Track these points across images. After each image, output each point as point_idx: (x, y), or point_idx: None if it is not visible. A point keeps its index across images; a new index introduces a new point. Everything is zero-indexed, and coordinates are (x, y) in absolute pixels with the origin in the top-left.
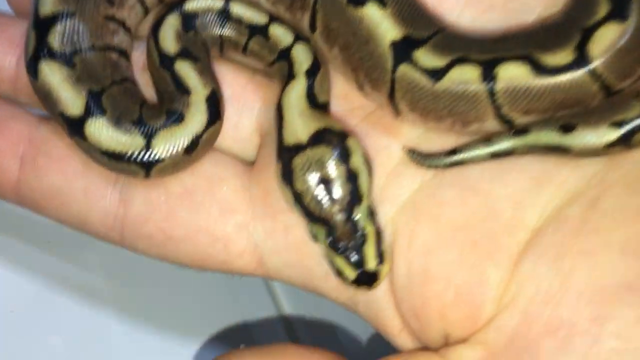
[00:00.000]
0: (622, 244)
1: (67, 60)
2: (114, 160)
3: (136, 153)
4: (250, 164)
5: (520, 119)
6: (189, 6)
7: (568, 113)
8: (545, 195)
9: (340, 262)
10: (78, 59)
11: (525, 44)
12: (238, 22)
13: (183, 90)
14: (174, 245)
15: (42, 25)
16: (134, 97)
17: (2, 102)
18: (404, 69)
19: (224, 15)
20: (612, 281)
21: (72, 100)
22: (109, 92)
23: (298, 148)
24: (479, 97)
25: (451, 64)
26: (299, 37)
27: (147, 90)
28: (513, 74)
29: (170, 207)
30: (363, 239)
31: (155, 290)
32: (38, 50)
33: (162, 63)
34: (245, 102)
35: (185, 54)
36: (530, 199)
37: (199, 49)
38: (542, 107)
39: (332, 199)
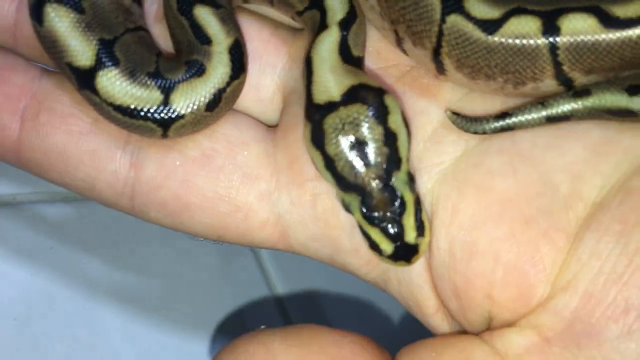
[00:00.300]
0: None
1: (76, 4)
2: (128, 116)
3: (153, 108)
4: (271, 128)
5: (580, 79)
6: None
7: (633, 73)
8: (606, 165)
9: (375, 234)
10: (87, 3)
11: None
12: None
13: (203, 39)
14: (190, 213)
15: None
16: (150, 47)
17: (4, 51)
18: (454, 19)
19: None
20: None
21: (81, 50)
22: (122, 41)
23: (330, 106)
24: (539, 53)
25: (508, 15)
26: None
27: (162, 43)
28: (579, 27)
29: (187, 172)
30: (401, 208)
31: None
32: None
33: (180, 7)
34: (268, 59)
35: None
36: (590, 170)
37: None
38: (609, 65)
39: (367, 164)
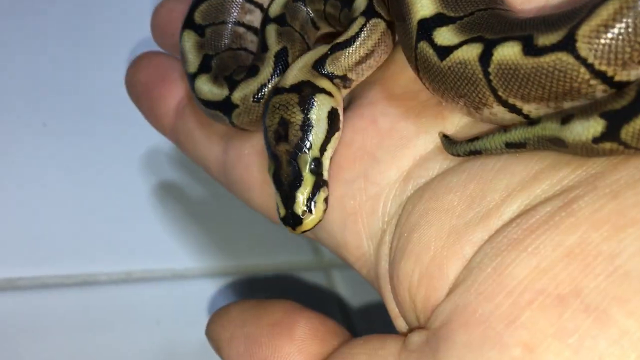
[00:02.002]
0: (568, 248)
1: (201, 30)
2: (206, 107)
3: (219, 101)
4: None
5: (525, 107)
6: None
7: (578, 105)
8: (536, 188)
9: (277, 198)
10: (210, 30)
11: (540, 23)
12: None
13: (263, 48)
14: (250, 192)
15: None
16: (237, 60)
17: (172, 59)
18: (422, 46)
19: None
20: (551, 285)
21: (192, 61)
22: (220, 56)
23: (279, 90)
24: (476, 78)
25: (462, 43)
26: (370, 10)
27: None
28: (505, 54)
29: (249, 160)
30: (299, 183)
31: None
32: (187, 20)
33: (262, 23)
34: None
35: (279, 19)
36: (521, 191)
37: (298, 20)
38: (536, 94)
39: (284, 139)
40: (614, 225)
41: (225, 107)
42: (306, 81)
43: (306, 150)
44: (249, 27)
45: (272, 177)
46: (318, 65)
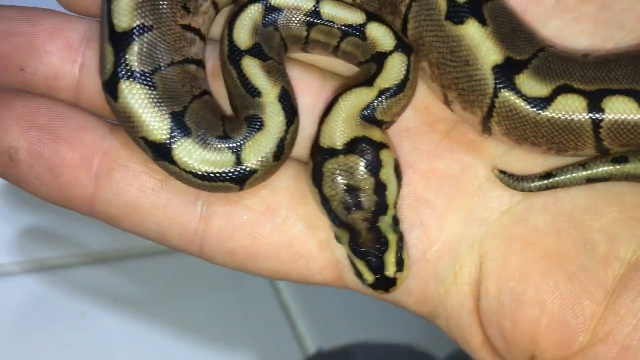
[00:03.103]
0: None
1: (148, 80)
2: (207, 180)
3: (229, 170)
4: None
5: (616, 149)
6: (275, 0)
7: None
8: (639, 228)
9: (360, 265)
10: (158, 77)
11: (631, 74)
12: (330, 23)
13: (252, 91)
14: (256, 260)
15: (118, 40)
16: (214, 110)
17: (71, 110)
18: (505, 95)
19: (314, 16)
20: None
21: (155, 125)
22: (190, 110)
23: (331, 152)
24: (583, 129)
25: (556, 93)
26: (402, 44)
27: (221, 96)
28: (621, 109)
29: (253, 225)
30: (385, 246)
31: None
32: (116, 70)
33: (230, 57)
34: (320, 112)
35: (255, 51)
36: (625, 232)
37: (272, 47)
38: None
39: (357, 207)
40: None
41: (237, 176)
42: (360, 137)
43: (385, 212)
44: (198, 62)
45: (348, 247)
46: (366, 114)
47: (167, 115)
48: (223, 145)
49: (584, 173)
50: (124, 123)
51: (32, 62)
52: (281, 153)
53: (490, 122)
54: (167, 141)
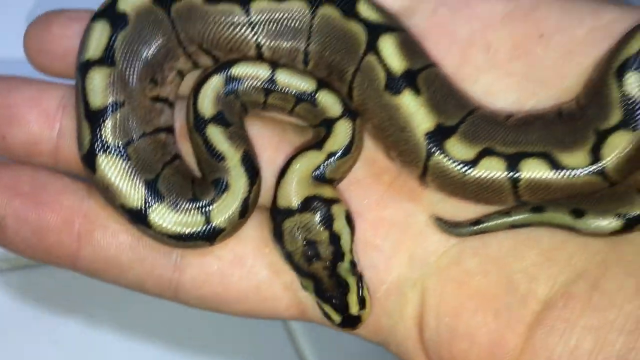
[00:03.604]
0: (619, 323)
1: (122, 153)
2: (181, 240)
3: (200, 230)
4: None
5: (535, 202)
6: (235, 71)
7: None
8: (554, 270)
9: (327, 308)
10: (131, 149)
11: (545, 138)
12: (284, 90)
13: (217, 156)
14: (227, 304)
15: (93, 118)
16: (185, 175)
17: (51, 176)
18: (437, 159)
19: (270, 83)
20: (612, 357)
21: (130, 193)
22: (162, 177)
23: (288, 212)
24: (504, 188)
25: (480, 156)
26: (348, 110)
27: (190, 155)
28: (535, 171)
29: (224, 274)
30: (346, 289)
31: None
32: (93, 145)
33: (196, 126)
34: (278, 164)
35: (218, 119)
36: (542, 273)
37: (234, 113)
38: (557, 198)
39: (317, 258)
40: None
41: (207, 235)
42: (312, 196)
43: (342, 259)
44: (168, 129)
45: (314, 293)
46: (317, 175)
47: (141, 184)
48: (193, 208)
49: (508, 220)
50: (102, 192)
51: (13, 131)
52: (246, 211)
53: (426, 178)
54: (142, 208)
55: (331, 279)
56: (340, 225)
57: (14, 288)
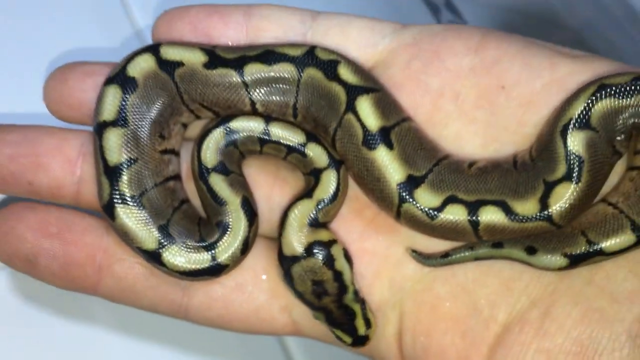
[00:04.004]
0: (566, 346)
1: (137, 203)
2: (191, 276)
3: (207, 267)
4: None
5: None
6: (234, 124)
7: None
8: (512, 298)
9: (339, 332)
10: (145, 198)
11: (501, 187)
12: (277, 141)
13: (220, 201)
14: (230, 324)
15: (111, 173)
16: (192, 218)
17: (74, 214)
18: (407, 206)
19: (265, 135)
20: None
21: (146, 238)
22: (173, 221)
23: (294, 259)
24: (466, 231)
25: (445, 203)
26: (333, 161)
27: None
28: (492, 218)
29: (227, 299)
30: (353, 315)
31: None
32: (112, 197)
33: (200, 175)
34: (274, 201)
35: (220, 168)
36: (502, 300)
37: (233, 161)
38: (512, 238)
39: (325, 294)
40: (587, 321)
41: (213, 270)
42: (313, 242)
43: (346, 291)
44: (176, 177)
45: (325, 322)
46: (311, 221)
47: (154, 229)
48: (200, 248)
49: (472, 253)
50: (121, 236)
51: (39, 177)
52: (246, 249)
53: (400, 220)
54: (157, 249)
55: (339, 309)
56: (340, 263)
57: (12, 287)
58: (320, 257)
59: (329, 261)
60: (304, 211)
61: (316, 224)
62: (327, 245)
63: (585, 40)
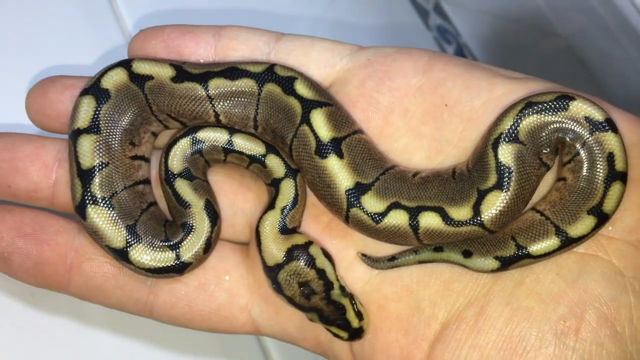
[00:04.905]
0: (495, 344)
1: (107, 204)
2: (156, 273)
3: (171, 264)
4: (243, 247)
5: (435, 243)
6: (200, 135)
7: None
8: (451, 297)
9: (334, 329)
10: (115, 200)
11: (440, 195)
12: (240, 152)
13: (184, 204)
14: (193, 322)
15: (84, 176)
16: (158, 219)
17: (48, 216)
18: (355, 211)
19: (229, 144)
20: None
21: (114, 237)
22: (140, 222)
23: (278, 267)
24: (408, 235)
25: (389, 209)
26: (290, 170)
27: (161, 198)
28: (430, 222)
29: (190, 298)
30: (343, 310)
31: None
32: (84, 198)
33: (166, 179)
34: (237, 207)
35: (185, 174)
36: (442, 301)
37: (198, 168)
38: (450, 242)
39: (313, 293)
40: (517, 320)
41: (177, 268)
42: (290, 247)
43: (332, 287)
44: (145, 181)
45: (319, 321)
46: (281, 229)
47: (123, 229)
48: (166, 247)
49: (416, 257)
50: (91, 235)
51: (17, 180)
52: (209, 248)
53: (349, 224)
54: (124, 247)
55: (329, 306)
56: (321, 261)
57: (9, 285)
58: (300, 258)
59: (310, 261)
60: (272, 221)
61: (286, 230)
62: (304, 247)
63: (576, 47)
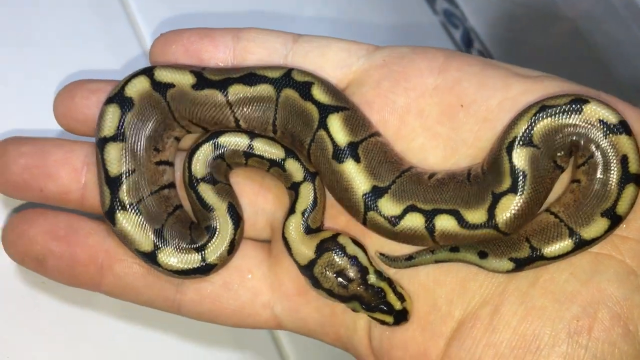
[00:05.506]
0: (509, 342)
1: (135, 209)
2: (183, 275)
3: (197, 266)
4: (265, 245)
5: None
6: (222, 139)
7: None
8: (467, 296)
9: (378, 315)
10: (142, 205)
11: (455, 198)
12: (260, 156)
13: (207, 208)
14: (219, 319)
15: (112, 183)
16: (184, 222)
17: (80, 219)
18: (372, 214)
19: (249, 149)
20: None
21: (143, 241)
22: (167, 226)
23: (312, 263)
24: (424, 237)
25: (405, 212)
26: (308, 174)
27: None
28: (445, 225)
29: (215, 296)
30: (382, 293)
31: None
32: (113, 205)
33: (190, 184)
34: (258, 206)
35: (208, 178)
36: (459, 299)
37: (221, 172)
38: (465, 243)
39: (350, 281)
40: (531, 319)
41: (203, 270)
42: (319, 242)
43: (368, 272)
44: (170, 185)
45: (362, 309)
46: (305, 230)
47: (150, 233)
48: (192, 249)
49: (432, 256)
50: (121, 239)
51: (49, 185)
52: (232, 249)
53: (367, 226)
54: (153, 251)
55: (367, 291)
56: (352, 248)
57: (14, 273)
58: (331, 249)
59: (340, 250)
60: (296, 225)
61: (311, 230)
62: (333, 238)
63: (584, 30)
